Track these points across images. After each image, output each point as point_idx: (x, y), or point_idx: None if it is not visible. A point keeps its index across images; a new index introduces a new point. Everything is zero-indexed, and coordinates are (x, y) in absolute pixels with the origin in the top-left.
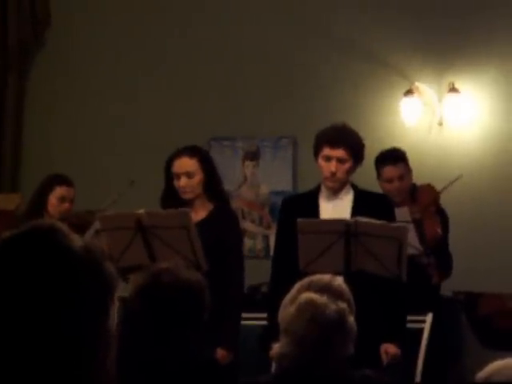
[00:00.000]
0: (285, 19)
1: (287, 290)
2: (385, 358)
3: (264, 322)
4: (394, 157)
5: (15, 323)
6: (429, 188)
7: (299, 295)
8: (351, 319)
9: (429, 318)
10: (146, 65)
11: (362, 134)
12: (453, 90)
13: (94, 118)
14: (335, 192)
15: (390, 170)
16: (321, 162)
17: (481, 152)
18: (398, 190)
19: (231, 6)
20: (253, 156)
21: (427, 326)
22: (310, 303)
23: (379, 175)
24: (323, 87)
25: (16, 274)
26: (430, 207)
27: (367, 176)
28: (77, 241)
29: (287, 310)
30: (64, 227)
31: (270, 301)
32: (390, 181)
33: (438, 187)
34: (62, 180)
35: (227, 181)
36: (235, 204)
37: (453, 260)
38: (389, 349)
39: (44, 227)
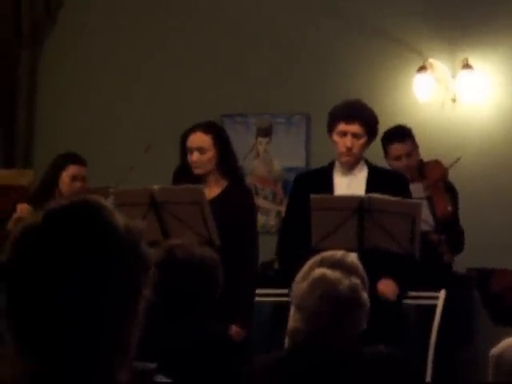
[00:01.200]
0: None
1: (297, 266)
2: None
3: (276, 299)
4: (401, 134)
5: (53, 293)
6: (437, 164)
7: (311, 271)
8: (364, 295)
9: (442, 294)
10: (158, 41)
11: (375, 110)
12: (466, 66)
13: (107, 97)
14: (350, 168)
15: (397, 148)
16: (336, 137)
17: (494, 128)
18: (407, 166)
19: None
20: (266, 132)
21: (440, 303)
22: (323, 279)
23: (386, 153)
24: (336, 64)
25: (60, 246)
26: (439, 183)
27: (380, 152)
28: (120, 219)
29: (299, 285)
30: (109, 205)
31: (282, 277)
32: (397, 158)
33: (448, 163)
34: (75, 158)
35: (240, 157)
36: (248, 180)
37: (464, 235)
38: (387, 288)
39: (92, 203)
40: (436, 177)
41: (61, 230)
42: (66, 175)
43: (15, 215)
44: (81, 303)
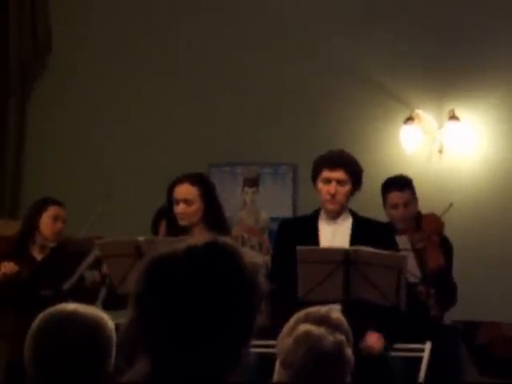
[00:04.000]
0: (284, 45)
1: (284, 317)
2: (364, 348)
3: (262, 350)
4: (401, 183)
5: (194, 318)
6: (434, 217)
7: (296, 327)
8: (349, 351)
9: (427, 346)
10: (146, 91)
11: (362, 160)
12: (453, 117)
13: (96, 143)
14: (334, 216)
15: (395, 196)
16: (320, 185)
17: (481, 179)
18: (403, 216)
19: (230, 31)
20: (253, 182)
21: (426, 355)
22: (308, 335)
23: (385, 201)
24: (323, 114)
25: (202, 279)
26: (434, 236)
27: (368, 204)
28: (246, 258)
29: (285, 341)
30: (238, 245)
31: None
32: (395, 207)
33: (440, 211)
34: (53, 200)
35: (227, 207)
36: (235, 230)
37: (457, 290)
38: (372, 343)
39: (228, 245)
40: (431, 230)
41: (203, 265)
42: (46, 216)
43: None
44: (216, 324)
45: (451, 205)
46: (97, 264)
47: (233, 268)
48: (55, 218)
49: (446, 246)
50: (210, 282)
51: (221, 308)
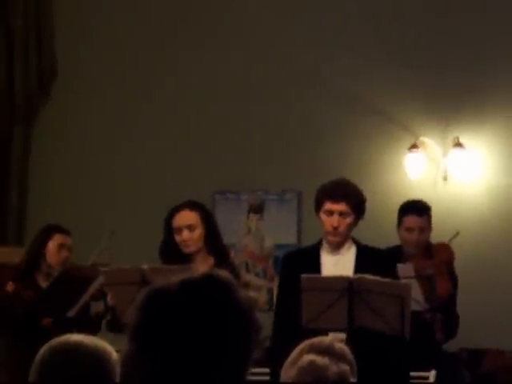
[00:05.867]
0: (288, 72)
1: (290, 347)
2: None
3: (266, 378)
4: (420, 208)
5: (189, 349)
6: (447, 247)
7: (300, 357)
8: (353, 381)
9: (432, 374)
10: (151, 118)
11: (366, 188)
12: (458, 144)
13: (99, 171)
14: (337, 247)
15: (412, 220)
16: (322, 216)
17: (485, 207)
18: (417, 241)
19: (236, 59)
20: (257, 209)
21: (431, 383)
22: (312, 365)
23: (400, 223)
24: (327, 142)
25: (197, 313)
26: (443, 265)
27: (372, 231)
28: (242, 293)
29: (288, 372)
30: (234, 281)
31: (272, 357)
32: (410, 230)
33: (446, 239)
34: (60, 228)
35: (232, 233)
36: (239, 257)
37: (459, 321)
38: None
39: (223, 279)
40: (443, 258)
41: (198, 299)
42: (52, 244)
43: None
44: (211, 357)
45: (458, 233)
46: (102, 295)
47: (228, 301)
48: (60, 247)
49: (453, 277)
50: (205, 315)
51: (216, 341)
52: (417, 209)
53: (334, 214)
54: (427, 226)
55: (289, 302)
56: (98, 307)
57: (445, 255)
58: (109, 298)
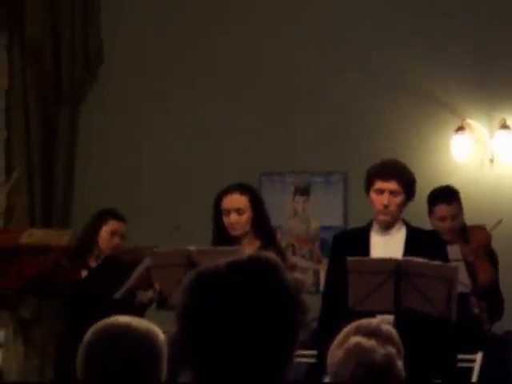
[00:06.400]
0: (335, 56)
1: (337, 329)
2: None
3: (312, 360)
4: (449, 195)
5: (238, 331)
6: (482, 229)
7: (347, 339)
8: (400, 364)
9: (479, 357)
10: (197, 100)
11: (412, 171)
12: (504, 126)
13: (147, 154)
14: (387, 228)
15: (443, 209)
16: (373, 195)
17: None
18: (451, 228)
19: (284, 41)
20: (303, 191)
21: (477, 366)
22: (358, 347)
23: (431, 213)
24: (373, 124)
25: (244, 294)
26: (482, 249)
27: (418, 213)
28: (289, 275)
29: (335, 353)
30: (281, 262)
31: (319, 339)
32: (443, 219)
33: (489, 226)
34: (115, 214)
35: (278, 216)
36: (285, 239)
37: (504, 302)
38: None
39: (270, 260)
40: (481, 242)
41: (245, 281)
42: (105, 230)
43: None
44: (258, 339)
45: (500, 221)
46: (150, 284)
47: (275, 283)
48: (113, 233)
49: (493, 258)
50: (252, 297)
51: (263, 322)
52: (446, 197)
53: (384, 193)
54: (459, 212)
55: (337, 284)
56: (144, 296)
57: (482, 238)
58: (155, 286)
